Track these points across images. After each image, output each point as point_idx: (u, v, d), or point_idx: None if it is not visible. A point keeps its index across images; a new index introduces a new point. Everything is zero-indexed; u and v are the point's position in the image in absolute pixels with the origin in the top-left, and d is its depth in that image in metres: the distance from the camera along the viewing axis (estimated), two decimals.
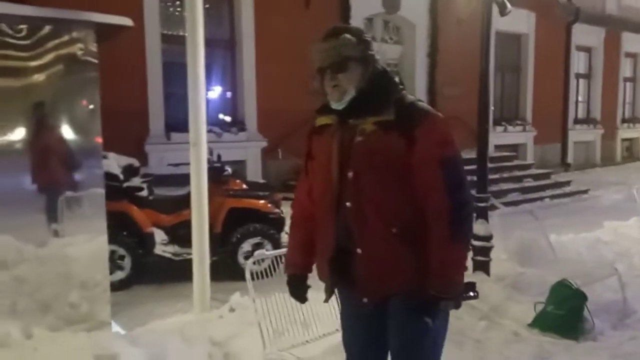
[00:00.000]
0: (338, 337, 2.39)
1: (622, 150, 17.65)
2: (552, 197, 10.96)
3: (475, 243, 4.64)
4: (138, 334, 3.72)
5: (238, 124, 9.32)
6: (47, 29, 3.36)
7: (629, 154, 17.93)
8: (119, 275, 5.33)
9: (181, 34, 8.50)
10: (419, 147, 1.98)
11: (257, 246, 5.61)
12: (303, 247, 2.29)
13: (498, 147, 12.55)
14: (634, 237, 6.14)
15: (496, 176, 10.59)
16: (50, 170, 3.60)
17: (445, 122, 2.07)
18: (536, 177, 11.81)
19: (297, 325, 3.55)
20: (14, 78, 3.36)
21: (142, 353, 3.33)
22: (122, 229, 5.34)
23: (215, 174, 5.51)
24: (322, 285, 2.26)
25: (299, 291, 2.32)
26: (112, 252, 5.04)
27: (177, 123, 8.04)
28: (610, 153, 16.95)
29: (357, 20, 10.10)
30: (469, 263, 4.35)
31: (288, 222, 2.56)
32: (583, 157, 15.98)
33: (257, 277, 3.56)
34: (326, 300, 2.27)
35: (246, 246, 5.70)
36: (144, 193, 5.75)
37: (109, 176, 4.97)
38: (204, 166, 4.04)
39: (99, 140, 3.64)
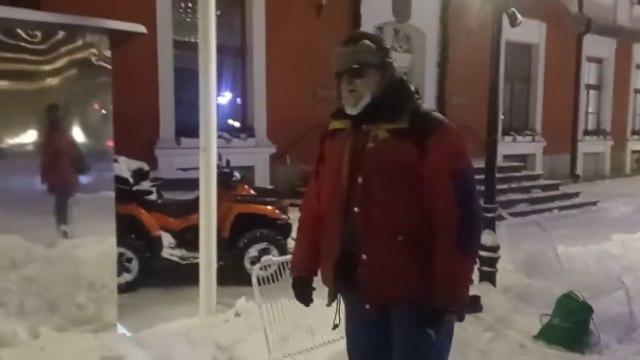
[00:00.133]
0: (343, 344, 2.39)
1: (631, 162, 17.53)
2: (561, 208, 10.90)
3: (482, 253, 4.62)
4: (144, 336, 3.74)
5: (247, 130, 9.38)
6: (61, 34, 3.42)
7: (639, 165, 17.81)
8: (126, 277, 5.36)
9: (193, 40, 8.59)
10: (431, 157, 1.99)
11: (264, 251, 5.64)
12: (309, 250, 2.28)
13: (507, 157, 12.51)
14: None
15: (504, 186, 10.55)
16: (61, 172, 3.64)
17: (459, 133, 2.08)
18: (545, 187, 11.75)
19: (302, 331, 3.57)
20: (28, 81, 3.42)
21: (148, 355, 3.35)
22: (130, 232, 5.38)
23: (224, 179, 5.54)
24: (327, 290, 2.25)
25: (303, 294, 2.30)
26: (120, 255, 5.08)
27: (187, 128, 8.12)
28: (619, 165, 16.84)
29: (367, 29, 10.12)
30: (476, 274, 4.36)
31: (295, 228, 2.58)
32: (592, 168, 15.89)
33: (264, 283, 3.58)
34: (328, 304, 2.25)
35: (253, 251, 5.72)
36: (153, 197, 5.80)
37: (119, 179, 5.01)
38: (214, 171, 4.08)
39: (110, 144, 3.69)
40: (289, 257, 3.17)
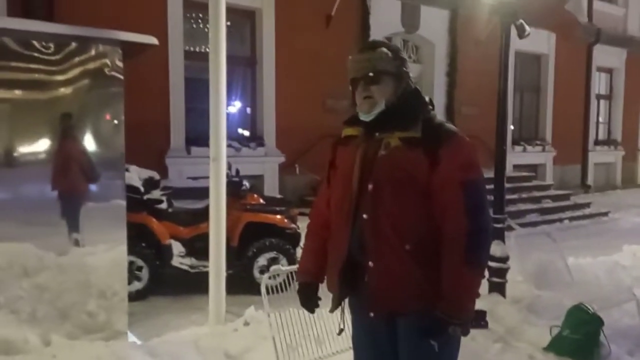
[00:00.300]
0: (350, 355, 2.39)
1: None
2: (571, 218, 10.81)
3: (492, 264, 4.59)
4: (154, 344, 3.76)
5: (257, 139, 9.42)
6: (74, 45, 3.48)
7: None
8: (136, 285, 5.39)
9: (203, 50, 8.67)
10: (442, 167, 1.99)
11: (273, 261, 5.65)
12: (317, 255, 2.28)
13: (517, 167, 12.46)
14: None
15: (514, 196, 10.50)
16: (73, 181, 3.69)
17: (472, 145, 2.08)
18: (555, 198, 11.68)
19: (310, 341, 3.57)
20: (42, 91, 3.48)
21: None
22: (141, 240, 5.42)
23: (234, 188, 5.56)
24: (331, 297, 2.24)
25: (309, 300, 2.29)
26: (131, 263, 5.11)
27: (197, 137, 8.18)
28: (631, 175, 16.71)
29: (376, 39, 10.18)
30: (484, 285, 4.33)
31: (303, 237, 2.59)
32: (603, 178, 15.77)
33: (272, 292, 3.59)
34: (331, 311, 2.24)
35: (262, 260, 5.73)
36: (164, 205, 5.83)
37: (130, 188, 5.05)
38: (223, 181, 4.11)
39: (122, 153, 3.73)
40: (297, 266, 3.18)
